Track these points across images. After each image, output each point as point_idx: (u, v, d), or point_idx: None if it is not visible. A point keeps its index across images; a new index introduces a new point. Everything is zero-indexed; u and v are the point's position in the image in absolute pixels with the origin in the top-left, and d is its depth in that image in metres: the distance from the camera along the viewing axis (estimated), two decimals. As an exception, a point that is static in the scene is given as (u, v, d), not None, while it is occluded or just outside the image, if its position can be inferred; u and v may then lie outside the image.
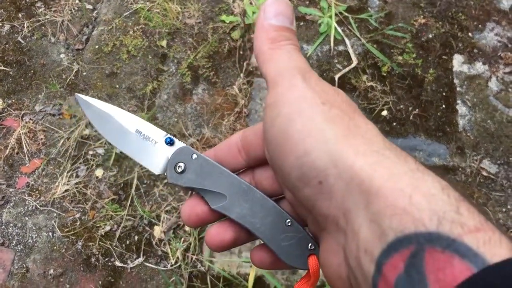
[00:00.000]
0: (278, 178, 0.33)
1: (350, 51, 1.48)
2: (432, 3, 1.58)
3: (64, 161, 1.33)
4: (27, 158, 1.35)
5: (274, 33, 0.32)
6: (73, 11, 1.62)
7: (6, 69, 1.51)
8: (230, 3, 1.58)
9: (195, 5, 1.58)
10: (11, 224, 1.27)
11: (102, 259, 1.21)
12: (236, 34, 1.51)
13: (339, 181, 0.25)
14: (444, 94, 1.42)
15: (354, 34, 1.52)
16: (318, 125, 0.27)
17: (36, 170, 1.33)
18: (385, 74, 1.44)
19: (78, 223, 1.25)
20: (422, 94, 1.42)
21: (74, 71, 1.49)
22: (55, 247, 1.23)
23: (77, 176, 1.31)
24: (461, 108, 1.40)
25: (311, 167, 0.26)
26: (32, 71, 1.50)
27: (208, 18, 1.57)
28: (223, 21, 1.54)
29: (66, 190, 1.29)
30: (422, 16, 1.55)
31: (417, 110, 1.39)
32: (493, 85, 1.43)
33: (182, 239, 1.22)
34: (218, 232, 0.34)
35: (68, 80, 1.47)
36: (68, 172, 1.32)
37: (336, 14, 1.54)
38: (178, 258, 1.19)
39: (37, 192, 1.30)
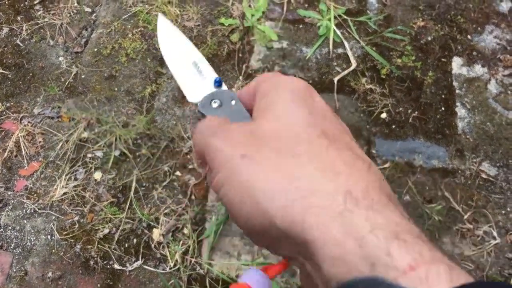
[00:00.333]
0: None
1: (349, 53, 1.48)
2: (431, 6, 1.59)
3: (62, 164, 1.33)
4: (25, 161, 1.35)
5: None
6: (72, 14, 1.62)
7: (4, 72, 1.51)
8: (229, 6, 1.58)
9: (194, 8, 1.58)
10: (10, 227, 1.26)
11: (100, 262, 1.21)
12: (235, 37, 1.51)
13: (279, 234, 0.25)
14: (443, 96, 1.42)
15: (353, 36, 1.52)
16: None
17: (35, 173, 1.33)
18: (384, 77, 1.45)
19: (76, 226, 1.25)
20: (421, 96, 1.42)
21: (72, 74, 1.49)
22: (53, 250, 1.22)
23: (75, 179, 1.31)
24: (461, 111, 1.40)
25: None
26: (30, 74, 1.50)
27: (207, 21, 1.57)
28: (222, 24, 1.54)
29: (64, 193, 1.29)
30: (421, 19, 1.55)
31: (416, 112, 1.39)
32: (492, 87, 1.43)
33: (181, 242, 1.22)
34: None
35: (66, 83, 1.47)
36: (66, 175, 1.31)
37: (335, 17, 1.54)
38: (177, 261, 1.19)
39: (35, 195, 1.30)
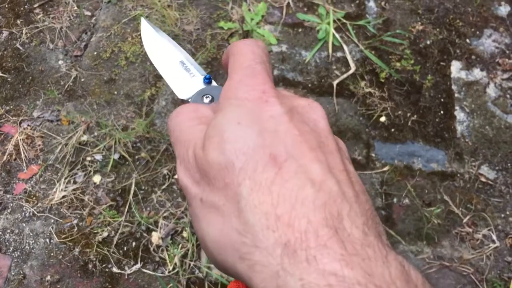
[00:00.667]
0: None
1: (348, 57, 1.49)
2: (430, 9, 1.59)
3: (62, 167, 1.33)
4: (24, 164, 1.35)
5: None
6: (71, 17, 1.63)
7: (4, 75, 1.51)
8: (229, 9, 1.58)
9: (194, 12, 1.59)
10: (8, 230, 1.26)
11: (99, 266, 1.20)
12: (234, 41, 1.52)
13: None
14: (442, 100, 1.42)
15: (352, 40, 1.53)
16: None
17: (34, 176, 1.33)
18: (383, 80, 1.45)
19: (75, 229, 1.25)
20: (420, 100, 1.42)
21: (72, 78, 1.49)
22: (52, 254, 1.22)
23: (74, 182, 1.31)
24: (459, 114, 1.40)
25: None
26: (30, 78, 1.50)
27: (206, 25, 1.57)
28: (222, 28, 1.55)
29: (63, 196, 1.29)
30: (420, 23, 1.56)
31: (415, 116, 1.40)
32: (491, 91, 1.44)
33: (180, 245, 1.22)
34: None
35: (66, 87, 1.47)
36: (65, 178, 1.31)
37: (334, 21, 1.54)
38: (175, 264, 1.19)
39: (34, 198, 1.30)
